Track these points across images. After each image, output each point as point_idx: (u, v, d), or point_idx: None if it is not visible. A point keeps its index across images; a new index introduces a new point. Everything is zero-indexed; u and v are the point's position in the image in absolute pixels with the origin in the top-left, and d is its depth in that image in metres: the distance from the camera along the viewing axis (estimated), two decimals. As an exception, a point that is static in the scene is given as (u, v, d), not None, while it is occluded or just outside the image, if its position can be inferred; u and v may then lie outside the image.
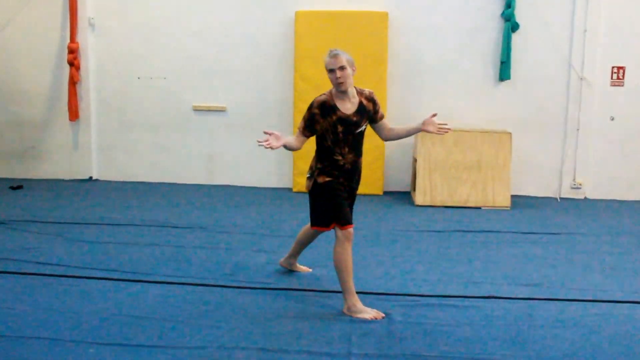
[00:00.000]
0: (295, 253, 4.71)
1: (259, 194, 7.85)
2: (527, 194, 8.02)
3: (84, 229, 5.97)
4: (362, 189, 7.72)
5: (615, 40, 7.77)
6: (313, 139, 4.17)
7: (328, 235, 4.28)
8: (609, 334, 3.77)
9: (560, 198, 8.00)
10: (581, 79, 7.83)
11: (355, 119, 4.03)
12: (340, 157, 4.04)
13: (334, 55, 3.95)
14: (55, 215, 6.45)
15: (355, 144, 4.09)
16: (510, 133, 7.48)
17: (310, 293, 4.35)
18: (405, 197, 7.90)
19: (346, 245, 3.94)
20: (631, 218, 7.00)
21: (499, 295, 4.37)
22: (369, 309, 3.93)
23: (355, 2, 7.86)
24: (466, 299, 4.30)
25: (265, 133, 3.96)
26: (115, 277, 4.60)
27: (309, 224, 4.38)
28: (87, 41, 8.27)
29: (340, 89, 3.96)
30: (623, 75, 7.84)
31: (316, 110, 3.99)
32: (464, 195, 7.39)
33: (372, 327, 3.76)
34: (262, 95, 8.17)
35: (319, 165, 4.10)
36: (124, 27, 8.26)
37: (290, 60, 7.95)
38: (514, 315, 4.02)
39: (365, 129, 4.12)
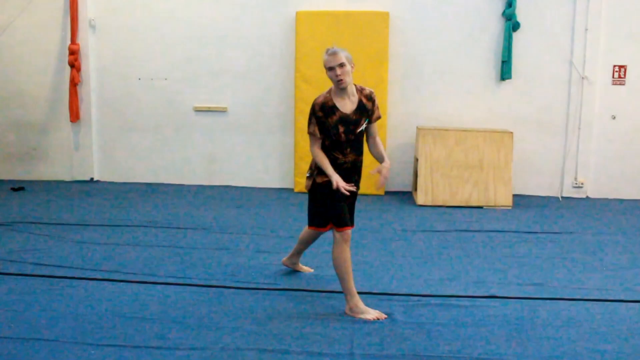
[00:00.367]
0: (298, 252, 4.70)
1: (260, 195, 7.84)
2: (528, 193, 8.01)
3: (85, 230, 5.97)
4: (363, 189, 7.72)
5: (617, 38, 7.76)
6: (307, 138, 4.14)
7: (330, 236, 4.27)
8: (611, 333, 3.76)
9: (562, 197, 7.99)
10: (582, 77, 7.82)
11: (355, 117, 4.01)
12: (341, 156, 4.03)
13: (333, 53, 3.93)
14: (56, 217, 6.45)
15: (356, 143, 4.07)
16: (511, 132, 7.48)
17: (312, 294, 4.34)
18: (406, 197, 7.89)
19: (344, 247, 3.93)
20: (633, 217, 6.99)
21: (500, 295, 4.37)
22: (371, 310, 3.93)
23: (356, 2, 7.86)
24: (468, 298, 4.29)
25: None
26: (117, 278, 4.60)
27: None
28: (88, 42, 8.27)
29: (340, 86, 3.94)
30: (624, 74, 7.83)
31: (320, 113, 3.98)
32: (466, 194, 7.38)
33: (374, 328, 3.76)
34: (263, 95, 8.17)
35: (318, 165, 4.08)
36: (125, 28, 8.27)
37: (291, 61, 7.95)
38: (516, 315, 4.01)
39: (364, 127, 4.10)
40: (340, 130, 3.98)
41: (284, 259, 4.82)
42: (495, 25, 7.85)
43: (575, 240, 5.90)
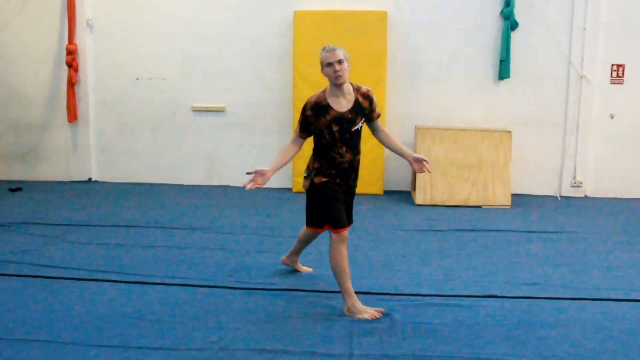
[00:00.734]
0: (297, 251, 4.70)
1: (259, 195, 7.81)
2: (527, 193, 8.01)
3: (84, 230, 5.95)
4: (362, 189, 7.71)
5: (615, 38, 7.76)
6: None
7: (323, 236, 4.26)
8: (610, 332, 3.76)
9: (561, 196, 7.99)
10: (581, 77, 7.82)
11: (350, 116, 3.98)
12: (337, 156, 4.01)
13: (331, 50, 3.93)
14: (54, 217, 6.43)
15: (353, 142, 4.04)
16: (510, 132, 7.48)
17: (311, 293, 4.33)
18: (405, 196, 7.89)
19: (340, 247, 3.92)
20: (631, 216, 6.99)
21: (500, 294, 4.36)
22: (368, 309, 3.93)
23: (354, 2, 7.85)
24: (467, 298, 4.29)
25: (248, 173, 3.99)
26: (116, 278, 4.59)
27: None
28: (86, 42, 8.25)
29: (337, 82, 3.91)
30: (623, 73, 7.83)
31: (309, 112, 3.97)
32: (464, 194, 7.38)
33: (374, 327, 3.75)
34: (261, 95, 8.16)
35: (315, 165, 4.07)
36: (123, 28, 8.25)
37: (290, 60, 7.94)
38: (515, 314, 4.01)
39: (361, 127, 4.07)
40: (335, 129, 3.96)
41: (283, 257, 4.81)
42: (493, 24, 7.84)
43: (574, 240, 5.90)
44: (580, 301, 4.27)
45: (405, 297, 4.28)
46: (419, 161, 4.11)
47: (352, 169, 4.10)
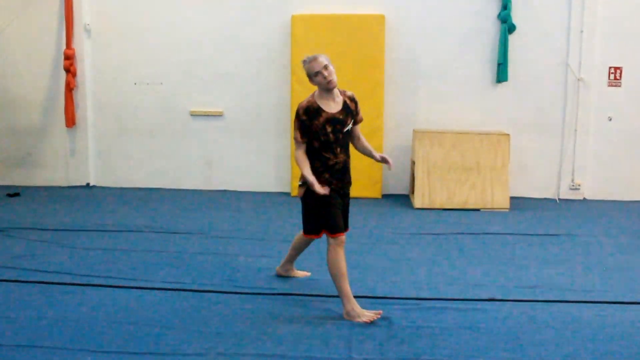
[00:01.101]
0: (291, 259, 4.69)
1: (257, 199, 7.83)
2: (526, 196, 8.01)
3: (82, 235, 5.94)
4: (360, 193, 7.72)
5: (612, 40, 7.78)
6: None
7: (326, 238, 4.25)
8: (610, 335, 3.75)
9: (559, 199, 7.98)
10: (578, 79, 7.83)
11: (341, 117, 4.06)
12: (332, 156, 4.06)
13: (313, 59, 3.98)
14: (52, 222, 6.42)
15: (345, 143, 4.13)
16: (508, 134, 7.48)
17: (310, 298, 4.32)
18: (404, 200, 7.88)
19: (338, 251, 3.94)
20: (630, 218, 6.99)
21: (499, 297, 4.36)
22: (366, 312, 3.92)
23: (351, 6, 7.85)
24: (466, 301, 4.28)
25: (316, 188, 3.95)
26: (114, 284, 4.57)
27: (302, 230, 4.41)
28: (83, 47, 8.25)
29: (331, 86, 3.98)
30: (620, 76, 7.84)
31: (304, 117, 4.02)
32: (463, 197, 7.37)
33: (373, 331, 3.74)
34: (259, 99, 8.16)
35: (320, 177, 4.07)
36: (120, 33, 8.25)
37: (287, 64, 7.94)
38: (514, 317, 4.00)
39: (350, 128, 4.14)
40: (329, 130, 4.02)
41: (278, 267, 4.79)
42: (491, 27, 7.85)
43: (573, 242, 5.90)
44: (580, 304, 4.27)
45: (404, 300, 4.27)
46: (384, 159, 4.20)
47: (346, 170, 4.16)
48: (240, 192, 8.20)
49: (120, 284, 4.56)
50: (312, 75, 3.99)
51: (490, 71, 7.92)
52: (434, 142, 7.43)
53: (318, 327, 3.80)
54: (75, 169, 8.50)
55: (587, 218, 7.00)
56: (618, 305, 4.26)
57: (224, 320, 3.90)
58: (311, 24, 7.78)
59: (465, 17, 7.86)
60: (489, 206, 7.35)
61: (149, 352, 3.45)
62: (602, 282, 4.74)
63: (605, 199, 7.99)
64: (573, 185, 8.02)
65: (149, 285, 4.55)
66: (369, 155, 4.30)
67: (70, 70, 8.17)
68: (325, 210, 4.00)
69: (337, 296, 4.06)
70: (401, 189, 8.15)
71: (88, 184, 8.52)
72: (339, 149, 4.07)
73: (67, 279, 4.67)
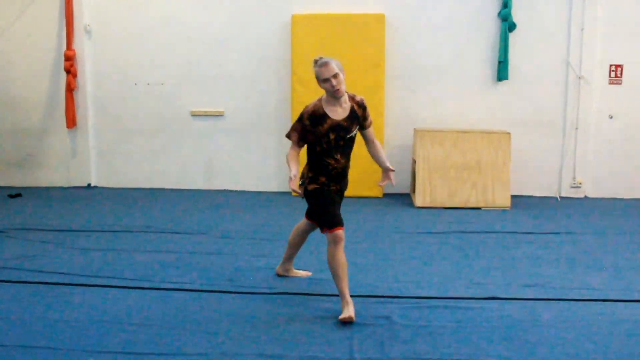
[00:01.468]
0: (289, 257, 4.70)
1: (258, 199, 7.83)
2: (527, 194, 8.01)
3: (83, 236, 5.95)
4: (361, 192, 7.73)
5: (613, 38, 7.77)
6: None
7: (323, 237, 4.24)
8: (611, 334, 3.74)
9: (560, 197, 7.98)
10: (579, 77, 7.82)
11: (345, 124, 4.05)
12: (332, 162, 4.08)
13: (324, 64, 3.92)
14: (54, 223, 6.43)
15: (347, 149, 4.14)
16: (509, 133, 7.47)
17: (311, 297, 4.32)
18: (405, 199, 7.88)
19: (335, 251, 3.92)
20: (632, 216, 6.98)
21: (500, 296, 4.35)
22: (346, 311, 3.86)
23: (351, 5, 7.85)
24: (467, 300, 4.28)
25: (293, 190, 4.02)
26: (115, 284, 4.58)
27: (296, 225, 4.51)
28: (84, 48, 8.26)
29: (337, 96, 3.97)
30: (621, 73, 7.83)
31: (307, 122, 4.03)
32: (464, 196, 7.37)
33: (374, 330, 3.74)
34: (260, 99, 8.16)
35: (309, 175, 4.14)
36: (121, 34, 8.26)
37: (288, 64, 7.94)
38: (516, 316, 4.00)
39: (355, 134, 4.16)
40: (331, 137, 4.04)
41: (277, 267, 4.79)
42: (491, 26, 7.85)
43: (575, 240, 5.89)
44: (581, 302, 4.26)
45: (405, 299, 4.27)
46: (388, 178, 4.25)
47: (344, 175, 4.20)
48: (241, 192, 8.21)
49: (122, 285, 4.56)
50: (320, 81, 3.96)
51: (490, 69, 7.92)
52: (434, 141, 7.43)
53: (319, 327, 3.80)
54: (76, 169, 8.51)
55: (589, 216, 6.99)
56: (619, 303, 4.26)
57: (225, 320, 3.90)
58: (311, 23, 7.78)
59: (466, 15, 7.86)
60: (490, 205, 7.35)
61: (150, 352, 3.45)
62: (604, 280, 4.74)
63: (607, 197, 7.99)
64: (574, 184, 8.01)
65: (150, 285, 4.55)
66: (380, 164, 4.28)
67: (70, 71, 8.17)
68: (322, 207, 4.04)
69: (338, 295, 4.05)
70: (402, 187, 8.15)
71: (89, 185, 8.53)
72: (339, 155, 4.09)
73: (69, 279, 4.67)
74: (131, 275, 4.77)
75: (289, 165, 4.04)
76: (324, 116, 4.00)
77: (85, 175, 8.51)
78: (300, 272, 4.78)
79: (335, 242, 3.93)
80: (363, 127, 4.21)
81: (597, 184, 8.04)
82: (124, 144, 8.45)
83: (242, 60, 8.12)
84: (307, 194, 4.14)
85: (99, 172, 8.57)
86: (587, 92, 7.85)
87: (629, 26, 7.74)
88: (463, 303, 4.22)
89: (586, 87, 7.84)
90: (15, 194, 7.93)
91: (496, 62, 7.85)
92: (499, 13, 7.77)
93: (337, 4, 7.88)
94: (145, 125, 8.38)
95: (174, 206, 7.33)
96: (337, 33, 7.71)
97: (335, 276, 3.94)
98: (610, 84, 7.87)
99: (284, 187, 8.21)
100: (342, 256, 3.94)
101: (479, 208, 7.32)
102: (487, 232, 6.18)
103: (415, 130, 7.66)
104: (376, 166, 7.85)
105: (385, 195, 7.99)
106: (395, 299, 4.26)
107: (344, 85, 3.98)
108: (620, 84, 7.85)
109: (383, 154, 4.33)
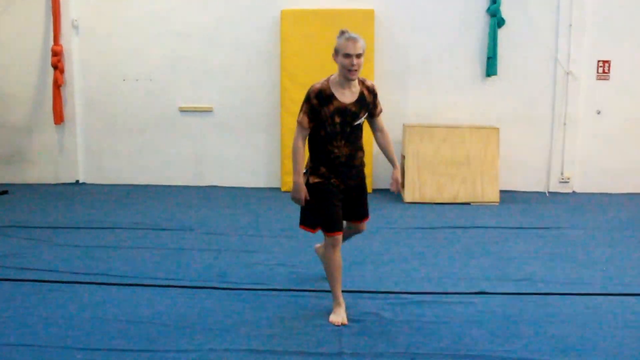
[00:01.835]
0: (335, 295, 4.00)
1: (248, 195, 7.81)
2: (515, 189, 8.04)
3: (72, 233, 5.91)
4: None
5: (601, 34, 7.81)
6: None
7: (313, 236, 4.23)
8: (598, 327, 3.77)
9: (549, 192, 8.02)
10: (567, 73, 7.85)
11: (354, 109, 3.79)
12: (335, 149, 3.82)
13: (353, 39, 3.68)
14: (41, 220, 6.38)
15: (353, 137, 3.85)
16: (497, 128, 7.50)
17: (301, 293, 4.32)
18: (394, 194, 7.87)
19: (332, 251, 3.81)
20: (619, 211, 7.03)
21: (489, 291, 4.37)
22: (339, 314, 3.83)
23: (341, 1, 7.84)
24: (457, 295, 4.29)
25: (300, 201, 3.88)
26: (103, 281, 4.55)
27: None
28: (71, 43, 8.19)
29: (350, 77, 3.70)
30: (609, 69, 7.87)
31: (314, 101, 3.74)
32: (453, 191, 7.39)
33: (364, 326, 3.75)
34: (248, 94, 8.13)
35: (311, 164, 3.93)
36: (109, 29, 8.19)
37: (277, 59, 7.92)
38: (505, 310, 4.02)
39: (363, 121, 3.88)
40: (337, 121, 3.77)
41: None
42: (480, 21, 7.86)
43: (563, 235, 5.93)
44: (569, 296, 4.29)
45: (395, 295, 4.28)
46: (396, 182, 4.18)
47: (352, 166, 3.90)
48: (231, 188, 8.18)
49: (110, 282, 4.54)
50: (340, 54, 3.69)
51: (479, 65, 7.94)
52: (424, 137, 7.44)
53: (309, 323, 3.80)
54: (64, 166, 8.44)
55: (577, 211, 7.03)
56: (606, 297, 4.29)
57: (214, 316, 3.89)
58: (300, 19, 7.75)
59: (455, 11, 7.86)
60: (479, 200, 7.37)
61: (140, 349, 3.44)
62: (591, 275, 4.77)
63: (595, 191, 8.03)
64: (562, 179, 8.05)
65: (139, 282, 4.53)
66: (388, 158, 4.14)
67: (58, 66, 8.10)
68: (322, 207, 3.84)
69: (328, 291, 4.06)
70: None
71: (77, 181, 8.48)
72: (343, 142, 3.81)
73: (57, 276, 4.64)
74: (120, 272, 4.74)
75: (294, 168, 3.79)
76: (331, 97, 3.73)
77: (73, 171, 8.45)
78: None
79: (333, 245, 3.80)
80: (372, 115, 3.95)
81: (585, 179, 8.08)
82: (112, 140, 8.40)
83: (231, 56, 8.09)
84: (307, 187, 3.89)
85: (87, 168, 8.51)
86: (575, 88, 7.89)
87: (617, 22, 7.78)
88: (452, 298, 4.23)
89: (574, 83, 7.87)
90: (2, 191, 7.86)
91: (485, 58, 7.86)
92: (488, 9, 7.78)
93: (326, 0, 7.86)
94: (133, 121, 8.33)
95: (162, 202, 7.30)
96: (326, 29, 7.68)
97: (330, 277, 3.85)
98: (598, 79, 7.90)
99: (273, 183, 8.20)
100: (337, 257, 3.82)
101: (468, 203, 7.34)
102: (476, 227, 6.20)
103: (405, 126, 7.67)
104: (366, 160, 7.91)
105: (374, 190, 7.99)
106: (385, 295, 4.27)
107: (360, 71, 3.73)
108: (608, 79, 7.89)
109: (392, 146, 4.12)
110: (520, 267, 4.92)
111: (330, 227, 3.82)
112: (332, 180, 3.88)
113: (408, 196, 7.40)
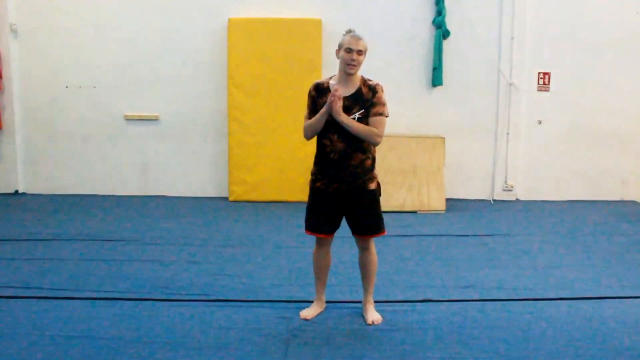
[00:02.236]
0: (366, 294, 4.14)
1: (195, 204, 7.70)
2: (461, 197, 8.18)
3: (11, 245, 5.69)
4: (289, 196, 7.65)
5: (541, 46, 8.05)
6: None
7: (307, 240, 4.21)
8: (543, 332, 3.85)
9: (494, 200, 8.19)
10: (510, 84, 8.06)
11: (346, 102, 3.76)
12: (328, 142, 3.80)
13: (357, 37, 3.85)
14: (-23, 232, 6.13)
15: (347, 133, 3.75)
16: (443, 138, 7.62)
17: (246, 304, 4.27)
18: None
19: (315, 248, 4.08)
20: (561, 217, 7.23)
21: (435, 298, 4.42)
22: (308, 312, 4.06)
23: (288, 10, 7.84)
24: (402, 303, 4.32)
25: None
26: (43, 295, 4.40)
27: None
28: (9, 48, 7.92)
29: (348, 70, 3.80)
30: (548, 81, 8.12)
31: (313, 93, 3.91)
32: (400, 199, 7.46)
33: (310, 336, 3.73)
34: (195, 103, 8.03)
35: (313, 167, 3.96)
36: (50, 34, 7.97)
37: (224, 68, 7.85)
38: (450, 317, 4.06)
39: (357, 118, 3.76)
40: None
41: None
42: (426, 33, 7.99)
43: (507, 242, 6.06)
44: (514, 302, 4.37)
45: (341, 304, 4.28)
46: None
47: (344, 167, 3.80)
48: (177, 198, 8.05)
49: (52, 295, 4.38)
50: (343, 49, 3.83)
51: (425, 75, 8.06)
52: (371, 146, 7.48)
53: (255, 334, 3.76)
54: (3, 175, 8.14)
55: (520, 218, 7.20)
56: (550, 302, 4.39)
57: (157, 329, 3.80)
58: (248, 27, 7.72)
59: (401, 22, 7.97)
60: (425, 208, 7.46)
61: (78, 364, 3.33)
62: (535, 280, 4.88)
63: (537, 199, 8.25)
64: (506, 187, 8.24)
65: (80, 295, 4.40)
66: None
67: (-4, 72, 7.83)
68: (309, 207, 4.00)
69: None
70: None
71: (17, 191, 8.19)
72: (335, 136, 3.75)
73: (-8, 290, 4.46)
74: (61, 285, 4.59)
75: (318, 116, 3.75)
76: (327, 89, 3.85)
77: (12, 181, 8.16)
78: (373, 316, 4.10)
79: (317, 243, 4.05)
80: (367, 114, 3.81)
81: (527, 187, 8.30)
82: (54, 149, 8.16)
83: (177, 64, 7.98)
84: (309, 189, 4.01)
85: (27, 178, 8.23)
86: (517, 98, 8.10)
87: (556, 36, 8.04)
88: (398, 306, 4.26)
89: (516, 94, 8.09)
90: None
91: (431, 69, 7.99)
92: (434, 21, 7.92)
93: (274, 9, 7.85)
94: (76, 129, 8.11)
95: (106, 213, 7.12)
96: (274, 38, 7.68)
97: (314, 273, 4.11)
98: (539, 90, 8.14)
99: (220, 192, 8.10)
100: (319, 257, 4.06)
101: (414, 212, 7.43)
102: (422, 235, 6.28)
103: (353, 135, 7.70)
104: (305, 166, 7.92)
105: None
106: (331, 304, 4.26)
107: (359, 68, 3.85)
108: (548, 90, 8.14)
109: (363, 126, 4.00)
110: (465, 274, 4.99)
111: (308, 226, 4.00)
112: (317, 184, 3.91)
113: (356, 205, 7.43)
